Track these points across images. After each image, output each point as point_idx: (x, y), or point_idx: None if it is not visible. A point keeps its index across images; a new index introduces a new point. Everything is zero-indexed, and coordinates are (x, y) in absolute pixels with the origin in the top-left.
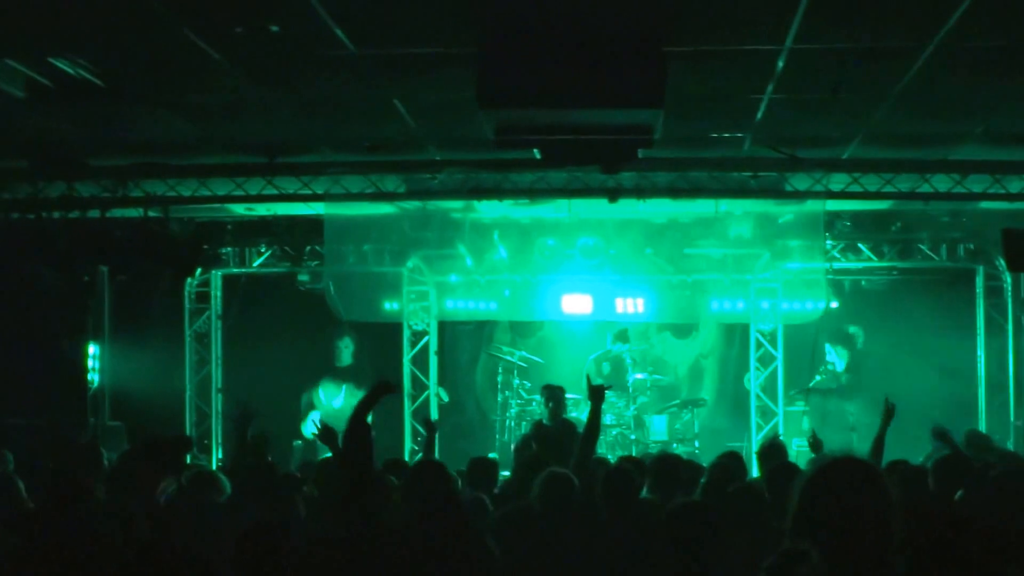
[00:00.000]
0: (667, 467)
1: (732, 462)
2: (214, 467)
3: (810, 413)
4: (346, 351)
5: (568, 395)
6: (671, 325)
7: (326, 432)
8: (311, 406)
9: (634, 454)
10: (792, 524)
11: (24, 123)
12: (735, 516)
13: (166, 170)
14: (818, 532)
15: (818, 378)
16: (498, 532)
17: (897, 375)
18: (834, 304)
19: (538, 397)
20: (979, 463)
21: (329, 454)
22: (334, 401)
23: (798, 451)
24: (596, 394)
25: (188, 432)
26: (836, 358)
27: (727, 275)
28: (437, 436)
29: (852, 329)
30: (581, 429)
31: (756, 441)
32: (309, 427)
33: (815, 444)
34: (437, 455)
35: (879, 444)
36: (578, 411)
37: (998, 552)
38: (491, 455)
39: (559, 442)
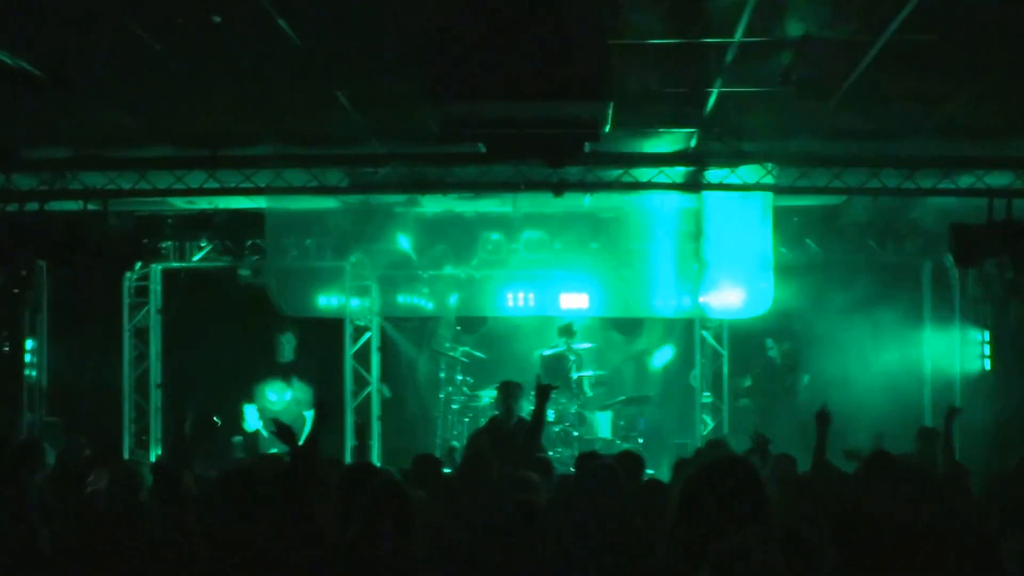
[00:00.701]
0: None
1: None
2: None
3: (754, 410)
4: (288, 346)
5: None
6: (617, 321)
7: (283, 431)
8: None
9: (576, 452)
10: (674, 519)
11: None
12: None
13: (105, 163)
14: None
15: (757, 371)
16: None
17: (844, 371)
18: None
19: (481, 393)
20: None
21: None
22: (274, 397)
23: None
24: (543, 392)
25: (126, 429)
26: (775, 352)
27: (674, 270)
28: (378, 432)
29: (797, 326)
30: None
31: (702, 439)
32: (252, 422)
33: (760, 442)
34: (378, 452)
35: (819, 452)
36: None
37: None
38: (453, 443)
39: (514, 440)
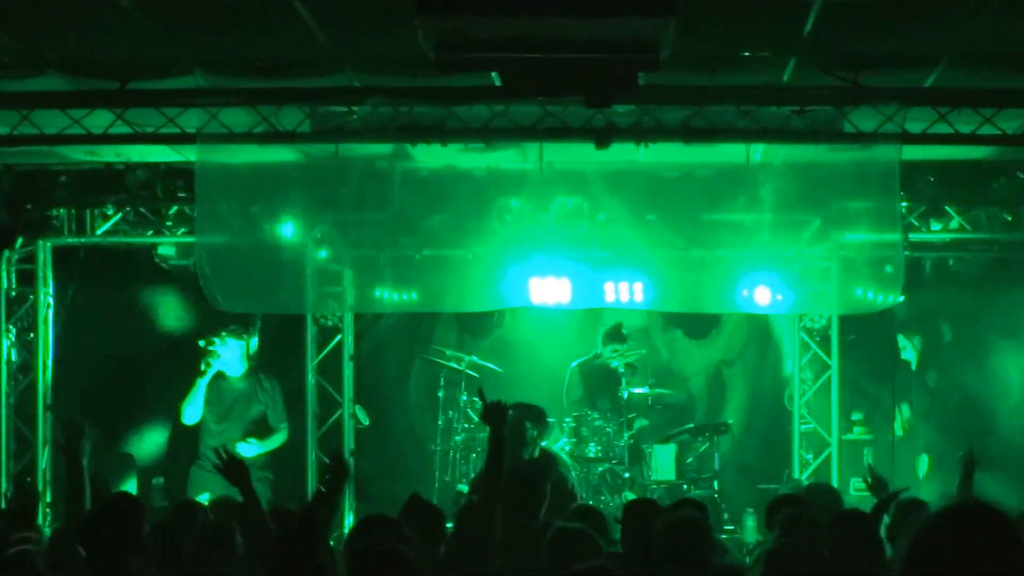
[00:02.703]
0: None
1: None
2: (40, 519)
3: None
4: None
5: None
6: (682, 320)
7: (233, 466)
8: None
9: (627, 499)
10: None
11: None
12: None
13: None
14: None
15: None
16: None
17: (993, 389)
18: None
19: None
20: None
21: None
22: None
23: (857, 494)
24: (492, 415)
25: (3, 469)
26: (911, 353)
27: (762, 250)
28: (352, 472)
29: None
30: (562, 467)
31: (800, 481)
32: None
33: (876, 484)
34: (350, 500)
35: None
36: (549, 440)
37: None
38: (460, 487)
39: (530, 484)
